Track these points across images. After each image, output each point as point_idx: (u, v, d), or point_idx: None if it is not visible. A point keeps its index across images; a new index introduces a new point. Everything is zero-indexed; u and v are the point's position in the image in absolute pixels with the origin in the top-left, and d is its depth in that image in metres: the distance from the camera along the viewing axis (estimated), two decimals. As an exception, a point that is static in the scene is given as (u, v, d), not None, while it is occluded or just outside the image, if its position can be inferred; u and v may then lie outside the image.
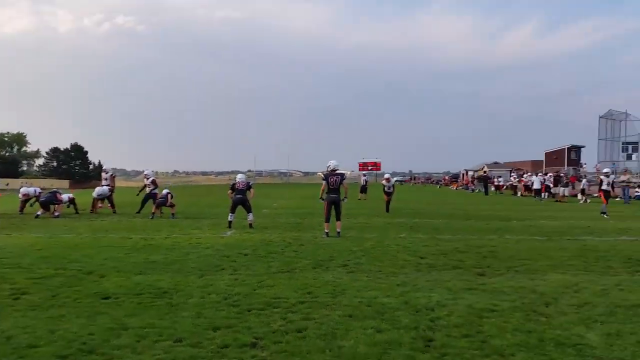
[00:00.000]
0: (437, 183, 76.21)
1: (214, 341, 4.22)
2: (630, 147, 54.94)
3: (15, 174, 67.96)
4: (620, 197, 25.59)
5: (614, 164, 52.37)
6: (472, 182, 45.62)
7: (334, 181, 11.29)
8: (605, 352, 3.91)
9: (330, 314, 5.00)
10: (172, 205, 16.20)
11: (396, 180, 57.84)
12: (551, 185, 29.62)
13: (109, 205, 17.81)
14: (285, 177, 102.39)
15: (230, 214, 12.98)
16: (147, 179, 17.09)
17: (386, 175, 20.38)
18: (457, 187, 56.94)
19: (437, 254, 8.76)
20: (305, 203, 25.01)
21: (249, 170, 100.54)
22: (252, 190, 13.40)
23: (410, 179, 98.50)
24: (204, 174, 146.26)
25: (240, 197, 12.99)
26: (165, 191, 16.63)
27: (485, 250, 9.14)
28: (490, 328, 4.56)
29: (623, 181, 27.02)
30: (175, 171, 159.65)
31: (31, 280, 6.40)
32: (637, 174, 42.09)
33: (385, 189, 18.82)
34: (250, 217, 12.98)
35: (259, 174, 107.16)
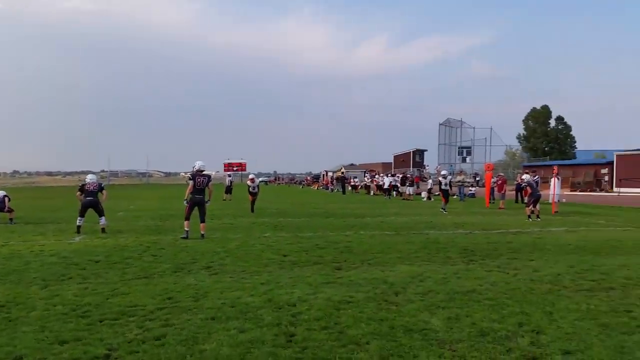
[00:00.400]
0: (300, 183, 78.23)
1: (61, 356, 3.88)
2: (464, 150, 62.22)
3: None
4: (457, 195, 28.74)
5: (451, 165, 58.80)
6: (332, 182, 47.74)
7: (200, 182, 11.01)
8: (447, 334, 4.39)
9: (192, 318, 4.89)
10: (9, 210, 14.37)
11: (261, 181, 58.03)
12: (399, 185, 32.29)
13: None
14: (145, 178, 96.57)
15: (79, 218, 11.97)
16: None
17: (251, 176, 20.43)
18: (318, 187, 59.07)
19: (299, 251, 9.04)
20: (166, 204, 23.96)
21: (103, 171, 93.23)
22: (104, 192, 12.47)
23: (275, 179, 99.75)
24: (49, 174, 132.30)
25: (91, 199, 12.03)
26: (1, 193, 14.68)
27: (342, 246, 9.65)
28: (347, 319, 4.84)
29: (459, 181, 30.34)
30: (15, 171, 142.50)
31: None
32: (470, 174, 47.75)
33: (250, 189, 18.89)
34: (103, 221, 12.09)
35: (114, 174, 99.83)
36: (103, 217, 12.15)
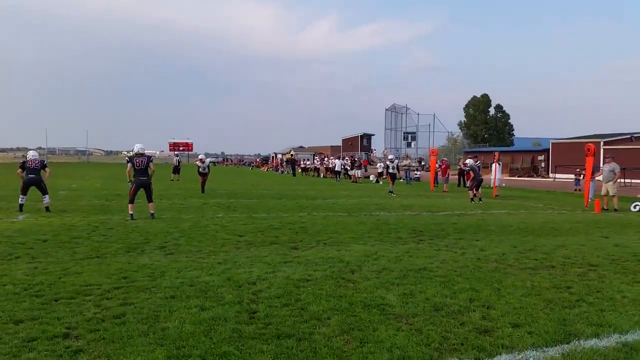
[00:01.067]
0: (249, 165, 77.56)
1: (18, 335, 3.77)
2: (410, 136, 63.85)
3: None
4: (403, 179, 29.50)
5: (397, 150, 60.19)
6: (282, 164, 47.65)
7: (140, 162, 10.74)
8: (403, 309, 4.60)
9: (151, 297, 4.85)
10: None
11: (210, 162, 57.06)
12: (348, 168, 32.75)
13: None
14: (84, 156, 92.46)
15: (21, 196, 11.47)
16: None
17: (200, 156, 20.03)
18: (267, 168, 58.82)
19: (255, 231, 9.07)
20: (110, 184, 23.14)
21: (40, 147, 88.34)
22: (47, 169, 11.97)
23: (223, 160, 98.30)
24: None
25: (34, 177, 11.50)
26: None
27: (297, 227, 9.76)
28: (307, 296, 4.97)
29: (405, 165, 31.14)
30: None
31: None
32: (415, 159, 49.04)
33: (200, 169, 18.62)
34: (46, 199, 11.64)
35: (52, 151, 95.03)
36: (47, 196, 11.69)
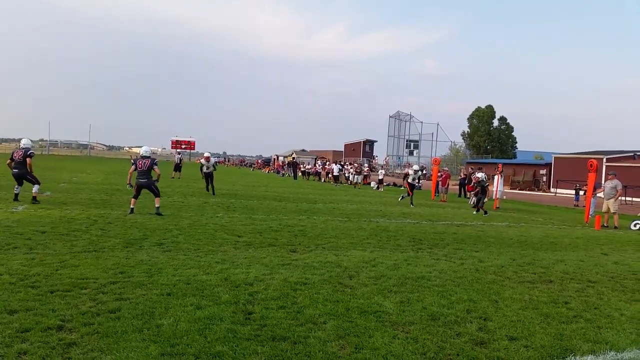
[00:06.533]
0: (250, 166, 77.54)
1: (11, 325, 3.75)
2: (412, 144, 63.77)
3: None
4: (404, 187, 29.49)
5: (399, 157, 60.12)
6: (283, 167, 47.66)
7: (142, 164, 10.86)
8: (399, 317, 4.58)
9: (147, 293, 4.83)
10: None
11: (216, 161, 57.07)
12: (353, 173, 32.77)
13: None
14: (86, 150, 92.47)
15: (16, 186, 11.56)
16: None
17: (206, 154, 18.59)
18: (268, 170, 58.84)
19: (254, 232, 9.05)
20: (111, 179, 23.13)
21: (42, 140, 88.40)
22: (28, 160, 11.70)
23: (225, 160, 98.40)
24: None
25: (17, 171, 11.56)
26: None
27: (296, 230, 9.74)
28: (303, 299, 4.94)
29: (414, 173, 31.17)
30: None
31: None
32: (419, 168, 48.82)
33: (204, 168, 17.80)
34: (35, 188, 11.57)
35: (54, 143, 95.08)
36: (36, 185, 11.61)
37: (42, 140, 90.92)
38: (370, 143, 73.17)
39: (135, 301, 4.55)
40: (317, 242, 8.51)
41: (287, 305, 4.71)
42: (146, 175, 10.85)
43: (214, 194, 17.22)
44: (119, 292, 4.79)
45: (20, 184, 11.51)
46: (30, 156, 11.72)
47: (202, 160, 18.36)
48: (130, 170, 11.11)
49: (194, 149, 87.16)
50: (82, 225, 8.64)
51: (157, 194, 10.90)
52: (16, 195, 11.38)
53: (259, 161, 78.08)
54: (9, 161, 11.78)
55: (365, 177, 34.02)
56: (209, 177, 17.75)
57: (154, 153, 11.84)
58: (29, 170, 11.56)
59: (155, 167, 10.98)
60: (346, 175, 33.38)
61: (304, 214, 12.93)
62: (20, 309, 4.13)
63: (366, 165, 38.62)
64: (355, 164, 36.28)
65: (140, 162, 10.87)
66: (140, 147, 11.94)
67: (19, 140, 12.84)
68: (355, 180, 31.00)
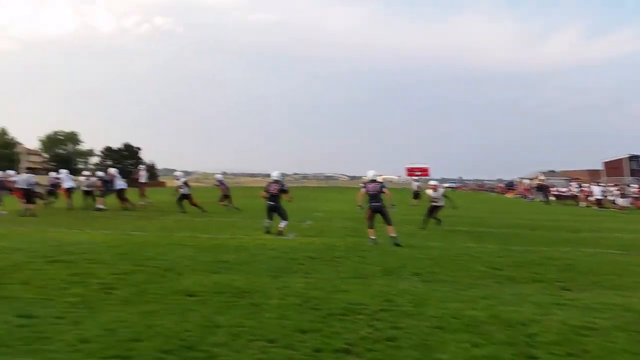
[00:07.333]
0: (491, 191, 74.17)
1: (305, 344, 4.16)
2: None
3: (71, 171, 70.69)
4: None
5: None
6: (530, 190, 44.04)
7: (372, 187, 11.13)
8: None
9: (418, 324, 4.83)
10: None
11: (448, 187, 56.22)
12: (619, 196, 28.34)
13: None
14: (331, 181, 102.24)
15: (266, 220, 12.24)
16: (178, 180, 18.29)
17: (432, 182, 15.41)
18: (513, 195, 55.27)
19: (513, 265, 8.39)
20: (355, 207, 24.74)
21: (295, 173, 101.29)
22: (288, 194, 12.43)
23: (461, 186, 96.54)
24: (252, 175, 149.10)
25: (271, 204, 12.25)
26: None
27: (562, 263, 8.69)
28: (594, 347, 4.28)
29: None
30: (224, 172, 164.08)
31: (115, 275, 6.56)
32: None
33: (431, 200, 15.00)
34: (282, 224, 12.00)
35: (305, 176, 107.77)
36: (284, 221, 12.02)
37: (295, 174, 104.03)
38: (636, 158, 62.19)
39: (409, 331, 4.59)
40: (591, 278, 7.40)
41: (576, 353, 4.14)
42: (377, 199, 10.98)
43: (431, 218, 15.10)
44: (391, 320, 4.91)
45: (270, 218, 12.08)
46: (286, 191, 12.41)
47: (429, 191, 15.19)
48: (361, 193, 11.19)
49: (427, 175, 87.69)
50: (343, 252, 9.30)
51: (389, 220, 10.92)
52: (266, 228, 11.91)
53: (501, 185, 74.00)
54: (263, 193, 12.47)
55: (636, 199, 28.93)
56: (435, 209, 15.36)
57: (389, 182, 11.87)
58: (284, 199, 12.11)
59: (384, 189, 11.08)
60: (609, 198, 28.90)
61: (567, 244, 11.50)
62: (309, 330, 4.56)
63: (636, 185, 32.81)
64: (619, 185, 31.18)
65: (370, 186, 11.01)
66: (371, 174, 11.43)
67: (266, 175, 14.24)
68: (622, 204, 26.57)
